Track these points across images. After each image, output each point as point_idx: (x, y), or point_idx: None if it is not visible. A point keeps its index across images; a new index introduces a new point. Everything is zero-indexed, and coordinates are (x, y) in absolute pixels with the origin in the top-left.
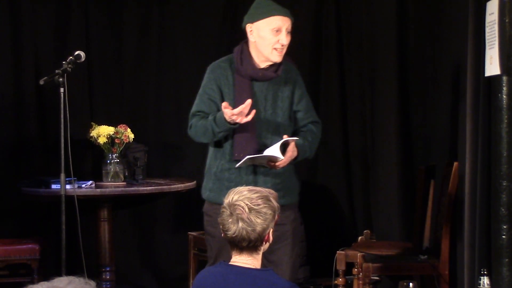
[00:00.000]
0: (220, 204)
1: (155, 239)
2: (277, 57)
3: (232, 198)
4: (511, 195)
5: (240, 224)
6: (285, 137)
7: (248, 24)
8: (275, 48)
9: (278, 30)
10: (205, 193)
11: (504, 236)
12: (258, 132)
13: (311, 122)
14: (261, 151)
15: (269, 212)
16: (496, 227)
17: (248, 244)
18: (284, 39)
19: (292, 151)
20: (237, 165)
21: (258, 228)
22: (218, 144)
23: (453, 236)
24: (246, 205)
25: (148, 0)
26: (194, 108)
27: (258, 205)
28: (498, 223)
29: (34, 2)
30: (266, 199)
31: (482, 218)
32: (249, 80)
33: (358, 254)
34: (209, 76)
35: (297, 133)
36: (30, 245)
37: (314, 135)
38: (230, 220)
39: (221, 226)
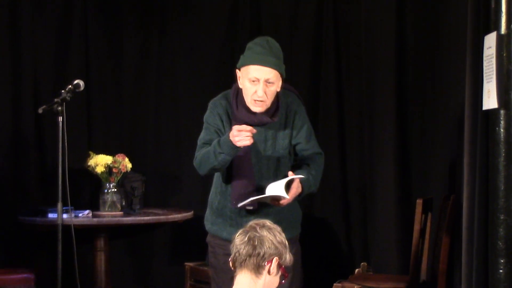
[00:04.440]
0: (220, 238)
1: (152, 270)
2: (256, 108)
3: (254, 221)
4: (509, 229)
5: (249, 234)
6: (290, 175)
7: (237, 70)
8: (253, 99)
9: (254, 81)
10: (207, 225)
11: (501, 270)
12: (258, 176)
13: (313, 154)
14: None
15: (281, 239)
16: (494, 261)
17: (245, 260)
18: (260, 91)
19: (296, 187)
20: (239, 205)
21: (265, 245)
22: (221, 181)
23: (450, 269)
24: (263, 222)
25: (148, 30)
26: (201, 140)
27: (275, 228)
28: (496, 257)
29: (34, 30)
30: (283, 235)
31: (479, 251)
32: (246, 125)
33: (355, 286)
34: (212, 111)
35: (301, 166)
36: (25, 275)
37: (317, 167)
38: (241, 231)
39: (232, 245)
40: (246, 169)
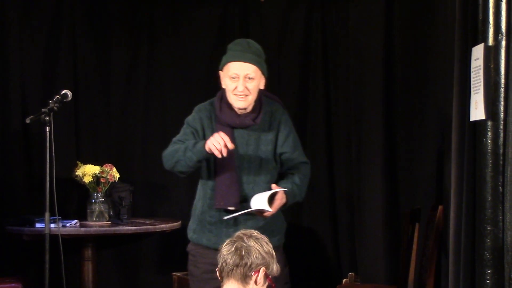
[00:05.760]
0: (201, 246)
1: (139, 279)
2: (239, 103)
3: (241, 231)
4: (496, 239)
5: (236, 244)
6: (274, 187)
7: (219, 72)
8: (235, 94)
9: (235, 77)
10: (189, 233)
11: (488, 281)
12: (240, 179)
13: (299, 163)
14: (243, 199)
15: (268, 249)
16: (481, 272)
17: (232, 270)
18: (240, 86)
19: (280, 199)
20: (225, 218)
21: (252, 255)
22: (203, 187)
23: (437, 279)
24: (250, 232)
25: (136, 40)
26: (176, 138)
27: (262, 238)
28: (483, 268)
29: (22, 40)
30: (270, 245)
31: (466, 262)
32: (229, 127)
33: None
34: (195, 115)
35: (285, 175)
36: (13, 285)
37: (303, 177)
38: (228, 241)
39: (219, 255)
40: (229, 172)
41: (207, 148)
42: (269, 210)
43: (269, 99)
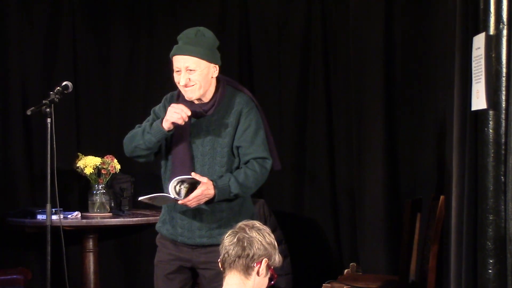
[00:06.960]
0: (162, 235)
1: (140, 270)
2: (188, 94)
3: (243, 222)
4: (498, 229)
5: (238, 235)
6: (192, 175)
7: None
8: (182, 87)
9: (178, 71)
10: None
11: (490, 270)
12: (193, 170)
13: (255, 158)
14: None
15: (270, 240)
16: (483, 261)
17: (235, 261)
18: (182, 79)
19: (203, 189)
20: (139, 198)
21: (254, 246)
22: (163, 176)
23: (439, 269)
24: (252, 223)
25: (136, 32)
26: (138, 125)
27: (264, 229)
28: (485, 257)
29: (22, 32)
30: (272, 236)
31: (468, 252)
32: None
33: (344, 287)
34: (161, 104)
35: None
36: (15, 276)
37: (251, 173)
38: (230, 231)
39: (221, 246)
40: (183, 163)
41: (166, 125)
42: (171, 197)
43: (236, 90)
